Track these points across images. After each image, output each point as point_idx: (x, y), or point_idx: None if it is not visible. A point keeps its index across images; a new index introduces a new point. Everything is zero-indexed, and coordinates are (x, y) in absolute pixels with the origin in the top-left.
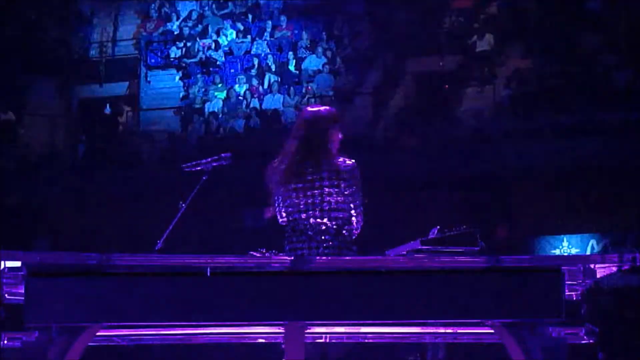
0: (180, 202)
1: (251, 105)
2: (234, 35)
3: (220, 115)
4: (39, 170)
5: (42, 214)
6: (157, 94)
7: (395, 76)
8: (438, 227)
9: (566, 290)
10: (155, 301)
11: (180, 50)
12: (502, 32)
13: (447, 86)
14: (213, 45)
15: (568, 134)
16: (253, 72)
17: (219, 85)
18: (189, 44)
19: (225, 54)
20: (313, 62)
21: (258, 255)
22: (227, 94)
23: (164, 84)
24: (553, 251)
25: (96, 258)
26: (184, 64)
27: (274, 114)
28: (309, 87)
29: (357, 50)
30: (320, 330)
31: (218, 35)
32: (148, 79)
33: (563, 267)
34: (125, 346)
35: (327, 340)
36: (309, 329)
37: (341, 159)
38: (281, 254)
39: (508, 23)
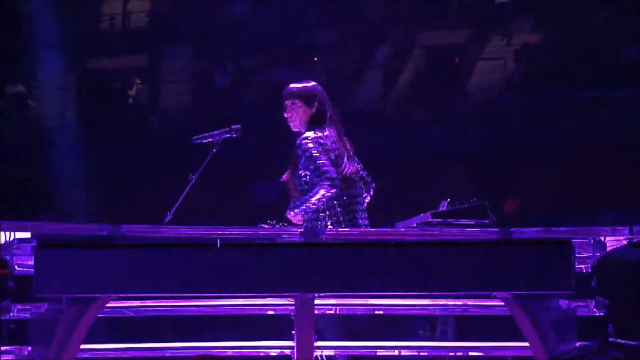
0: (190, 174)
1: None
2: None
3: None
4: (48, 144)
5: (51, 187)
6: None
7: (406, 50)
8: (448, 199)
9: (576, 263)
10: (164, 273)
11: None
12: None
13: (457, 59)
14: None
15: (578, 109)
16: None
17: None
18: None
19: None
20: None
21: (268, 227)
22: None
23: None
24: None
25: (106, 229)
26: None
27: None
28: None
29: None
30: (330, 302)
31: None
32: None
33: (573, 240)
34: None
35: (337, 312)
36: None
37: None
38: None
39: None
